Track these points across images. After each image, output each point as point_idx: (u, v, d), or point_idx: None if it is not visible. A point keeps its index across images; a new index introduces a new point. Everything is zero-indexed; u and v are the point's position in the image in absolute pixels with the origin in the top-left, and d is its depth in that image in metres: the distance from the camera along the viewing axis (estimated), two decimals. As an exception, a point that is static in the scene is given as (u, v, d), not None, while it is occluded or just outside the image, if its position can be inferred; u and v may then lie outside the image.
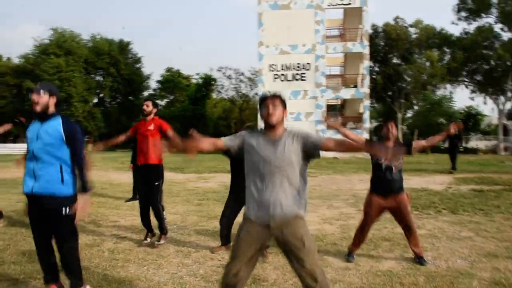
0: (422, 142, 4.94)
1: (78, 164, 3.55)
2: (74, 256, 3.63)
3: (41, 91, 3.52)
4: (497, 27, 38.86)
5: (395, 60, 46.66)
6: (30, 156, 3.53)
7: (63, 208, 3.47)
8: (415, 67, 41.95)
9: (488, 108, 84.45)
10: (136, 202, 7.16)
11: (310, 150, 2.95)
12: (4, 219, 7.00)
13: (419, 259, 4.80)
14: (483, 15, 39.39)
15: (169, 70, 56.80)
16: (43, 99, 3.50)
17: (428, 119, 41.85)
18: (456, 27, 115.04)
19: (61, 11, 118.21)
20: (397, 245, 5.54)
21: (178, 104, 52.36)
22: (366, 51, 33.56)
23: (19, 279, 4.25)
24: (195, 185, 12.61)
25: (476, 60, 39.31)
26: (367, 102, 33.36)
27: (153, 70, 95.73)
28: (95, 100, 49.70)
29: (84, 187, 3.54)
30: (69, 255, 3.60)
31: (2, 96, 46.03)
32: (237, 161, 4.75)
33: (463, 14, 40.50)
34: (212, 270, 4.59)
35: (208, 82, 47.23)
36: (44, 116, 3.53)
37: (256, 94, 40.40)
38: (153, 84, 56.92)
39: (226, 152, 3.11)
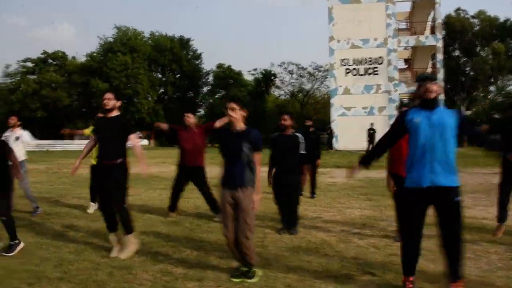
0: None
1: None
2: None
3: None
4: None
5: (456, 53, 46.03)
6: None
7: None
8: (481, 60, 41.16)
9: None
10: None
11: None
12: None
13: None
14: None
15: (220, 66, 57.19)
16: None
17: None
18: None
19: (93, 10, 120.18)
20: None
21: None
22: (440, 44, 33.09)
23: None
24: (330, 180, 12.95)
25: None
26: (441, 96, 32.90)
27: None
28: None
29: None
30: None
31: (69, 94, 47.37)
32: None
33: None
34: None
35: (268, 77, 47.41)
36: None
37: (328, 88, 40.28)
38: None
39: None
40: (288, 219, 6.09)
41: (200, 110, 53.18)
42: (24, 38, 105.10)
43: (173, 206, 7.17)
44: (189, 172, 6.95)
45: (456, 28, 43.56)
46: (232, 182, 4.14)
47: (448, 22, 42.84)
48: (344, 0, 33.61)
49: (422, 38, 33.54)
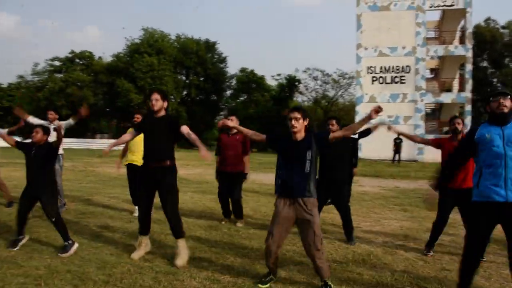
0: None
1: None
2: None
3: None
4: None
5: (484, 64, 45.26)
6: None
7: None
8: (510, 71, 40.38)
9: None
10: None
11: None
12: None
13: None
14: None
15: (243, 70, 57.18)
16: None
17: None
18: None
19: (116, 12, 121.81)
20: None
21: (252, 104, 52.70)
22: (469, 54, 32.53)
23: None
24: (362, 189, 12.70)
25: None
26: (468, 107, 32.30)
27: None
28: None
29: None
30: None
31: (95, 93, 47.92)
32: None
33: None
34: None
35: (292, 82, 47.24)
36: None
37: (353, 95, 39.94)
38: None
39: None
40: (346, 230, 5.96)
41: (222, 113, 53.18)
42: (55, 38, 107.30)
43: (226, 212, 7.07)
44: (230, 177, 6.82)
45: (485, 39, 42.86)
46: (293, 192, 3.99)
47: (477, 32, 42.14)
48: (373, 7, 33.33)
49: (451, 47, 33.01)
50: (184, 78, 51.19)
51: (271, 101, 48.24)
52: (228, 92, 53.97)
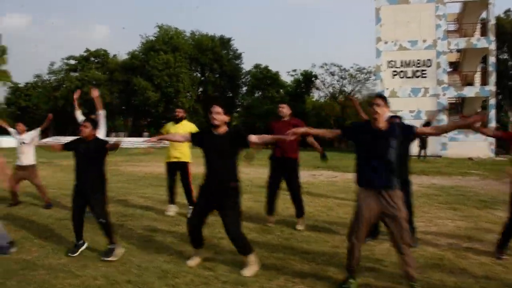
0: None
1: None
2: None
3: None
4: None
5: (505, 56, 44.42)
6: None
7: None
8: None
9: None
10: None
11: None
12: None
13: None
14: None
15: (257, 66, 56.75)
16: None
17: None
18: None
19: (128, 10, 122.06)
20: None
21: (267, 101, 52.28)
22: (493, 46, 31.86)
23: None
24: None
25: None
26: (492, 101, 31.54)
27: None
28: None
29: None
30: None
31: (111, 92, 47.92)
32: None
33: None
34: None
35: (309, 78, 46.73)
36: None
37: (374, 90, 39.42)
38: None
39: None
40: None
41: (238, 109, 52.94)
42: (67, 37, 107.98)
43: (271, 208, 6.62)
44: (283, 164, 6.41)
45: (505, 30, 41.96)
46: (377, 184, 3.74)
47: (498, 24, 41.13)
48: (392, 0, 32.74)
49: (473, 40, 32.33)
50: (199, 75, 50.98)
51: (286, 97, 47.74)
52: (244, 89, 53.58)
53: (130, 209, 7.82)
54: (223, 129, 4.46)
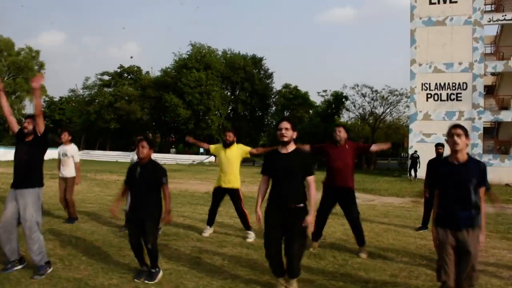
0: None
1: None
2: None
3: None
4: None
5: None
6: None
7: None
8: None
9: None
10: None
11: None
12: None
13: None
14: None
15: (286, 86, 56.67)
16: None
17: None
18: None
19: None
20: None
21: (297, 120, 52.06)
22: (533, 69, 30.97)
23: None
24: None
25: None
26: (526, 126, 30.65)
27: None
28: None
29: None
30: None
31: (142, 108, 48.56)
32: None
33: None
34: None
35: (339, 99, 46.36)
36: None
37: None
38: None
39: None
40: None
41: (267, 129, 52.87)
42: (102, 55, 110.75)
43: (318, 234, 6.42)
44: (338, 193, 6.18)
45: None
46: (458, 223, 3.50)
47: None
48: (428, 22, 32.36)
49: (511, 63, 31.53)
50: (229, 93, 51.29)
51: (317, 117, 47.46)
52: (273, 109, 53.59)
53: (172, 228, 7.67)
54: (291, 146, 4.28)
